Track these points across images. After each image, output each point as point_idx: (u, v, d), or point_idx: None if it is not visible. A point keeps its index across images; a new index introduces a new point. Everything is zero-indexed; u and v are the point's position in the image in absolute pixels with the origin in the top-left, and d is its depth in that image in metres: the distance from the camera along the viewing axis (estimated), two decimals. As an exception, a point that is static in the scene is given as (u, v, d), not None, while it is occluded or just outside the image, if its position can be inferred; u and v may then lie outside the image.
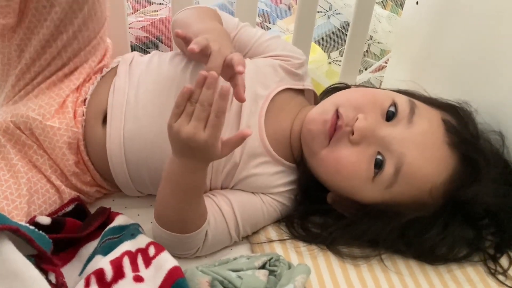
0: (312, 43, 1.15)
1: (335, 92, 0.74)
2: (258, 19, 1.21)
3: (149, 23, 1.13)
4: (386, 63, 1.17)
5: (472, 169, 0.64)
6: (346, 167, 0.64)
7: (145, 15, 1.17)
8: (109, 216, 0.66)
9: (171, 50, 1.10)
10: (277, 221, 0.72)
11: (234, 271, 0.56)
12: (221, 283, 0.53)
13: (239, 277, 0.54)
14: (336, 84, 0.81)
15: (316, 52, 1.21)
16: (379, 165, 0.63)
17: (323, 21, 1.28)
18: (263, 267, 0.59)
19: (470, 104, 0.72)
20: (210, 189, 0.70)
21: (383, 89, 0.78)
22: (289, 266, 0.60)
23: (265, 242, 0.68)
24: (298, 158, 0.71)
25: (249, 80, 0.68)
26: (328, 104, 0.68)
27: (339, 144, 0.64)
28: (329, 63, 1.27)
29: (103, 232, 0.62)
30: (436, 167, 0.63)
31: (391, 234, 0.65)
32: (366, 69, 1.24)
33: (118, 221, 0.64)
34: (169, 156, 0.60)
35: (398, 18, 1.20)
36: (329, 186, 0.69)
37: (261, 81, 0.71)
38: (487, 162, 0.64)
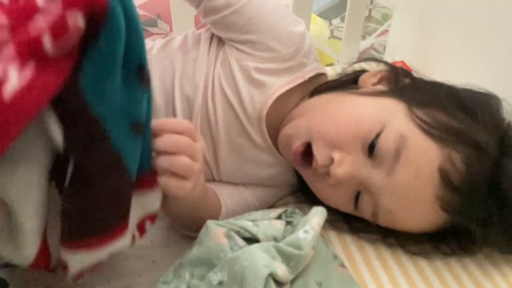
0: (312, 14, 1.13)
1: (329, 89, 0.63)
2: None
3: (147, 1, 1.12)
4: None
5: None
6: (327, 201, 0.60)
7: (143, -7, 1.16)
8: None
9: (170, 28, 1.08)
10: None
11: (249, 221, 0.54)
12: (237, 233, 0.52)
13: (256, 225, 0.52)
14: (341, 76, 0.67)
15: (317, 21, 1.20)
16: (359, 200, 0.58)
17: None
18: (279, 218, 0.57)
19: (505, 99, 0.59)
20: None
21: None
22: (305, 217, 0.58)
23: (281, 206, 0.65)
24: None
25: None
26: (302, 128, 0.58)
27: (318, 178, 0.58)
28: (331, 30, 1.25)
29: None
30: (418, 221, 0.56)
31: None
32: (369, 34, 1.23)
33: None
34: None
35: (400, -19, 1.17)
36: None
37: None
38: (491, 225, 0.54)
